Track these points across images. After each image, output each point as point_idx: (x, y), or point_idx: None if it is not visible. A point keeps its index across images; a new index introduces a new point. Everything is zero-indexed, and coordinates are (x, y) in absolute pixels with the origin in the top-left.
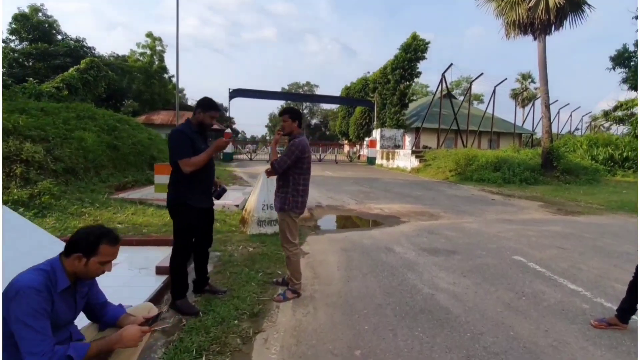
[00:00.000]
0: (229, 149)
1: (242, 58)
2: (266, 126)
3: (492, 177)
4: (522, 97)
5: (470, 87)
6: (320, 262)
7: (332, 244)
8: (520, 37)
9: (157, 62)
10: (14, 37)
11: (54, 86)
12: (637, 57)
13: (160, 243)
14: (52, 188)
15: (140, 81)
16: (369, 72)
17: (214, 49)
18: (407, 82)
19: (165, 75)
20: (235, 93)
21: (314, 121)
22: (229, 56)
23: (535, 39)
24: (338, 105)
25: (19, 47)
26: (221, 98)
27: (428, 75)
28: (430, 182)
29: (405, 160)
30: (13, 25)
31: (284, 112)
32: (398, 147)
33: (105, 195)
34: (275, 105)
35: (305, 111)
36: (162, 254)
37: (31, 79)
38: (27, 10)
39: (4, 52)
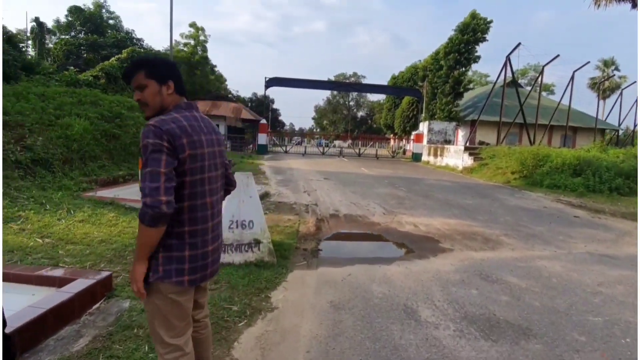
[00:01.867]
0: (264, 140)
1: (292, 51)
2: (312, 118)
3: (571, 184)
4: (603, 87)
5: (542, 72)
6: (282, 336)
7: (320, 292)
8: (614, 5)
9: (200, 53)
10: (69, 30)
11: (92, 75)
12: None
13: (45, 282)
14: None
15: (183, 72)
16: (420, 61)
17: (266, 43)
18: (463, 68)
19: (208, 67)
20: (272, 82)
21: (360, 113)
22: (280, 50)
23: (634, 6)
24: (385, 97)
25: (74, 39)
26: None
27: (486, 65)
28: (486, 186)
29: (456, 157)
30: (69, 18)
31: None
32: (449, 142)
33: (75, 192)
34: (320, 97)
35: (351, 103)
36: (28, 300)
37: (72, 67)
38: (92, 7)
39: (59, 43)
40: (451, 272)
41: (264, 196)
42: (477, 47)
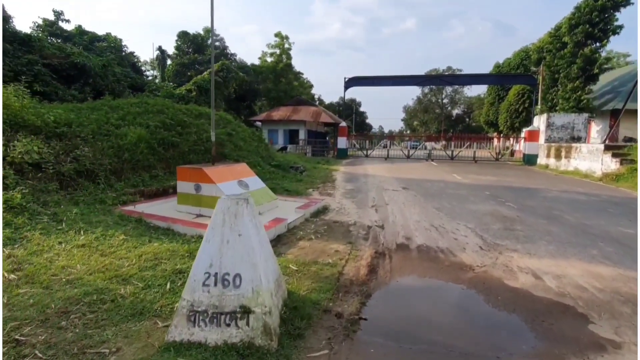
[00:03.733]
0: (344, 144)
1: (382, 54)
2: (402, 119)
3: None
4: None
5: None
6: None
7: None
8: None
9: (284, 60)
10: (177, 52)
11: (186, 89)
12: None
13: None
14: (17, 198)
15: (270, 80)
16: (532, 44)
17: (355, 48)
18: (597, 43)
19: (291, 74)
20: (351, 82)
21: (455, 111)
22: (369, 53)
23: None
24: (486, 90)
25: (181, 59)
26: (351, 93)
27: (621, 43)
28: None
29: (591, 160)
30: (178, 42)
31: None
32: (577, 139)
33: (110, 206)
34: (410, 97)
35: (444, 101)
36: None
37: (171, 83)
38: (202, 32)
39: (172, 64)
40: None
41: (319, 212)
42: (616, 14)
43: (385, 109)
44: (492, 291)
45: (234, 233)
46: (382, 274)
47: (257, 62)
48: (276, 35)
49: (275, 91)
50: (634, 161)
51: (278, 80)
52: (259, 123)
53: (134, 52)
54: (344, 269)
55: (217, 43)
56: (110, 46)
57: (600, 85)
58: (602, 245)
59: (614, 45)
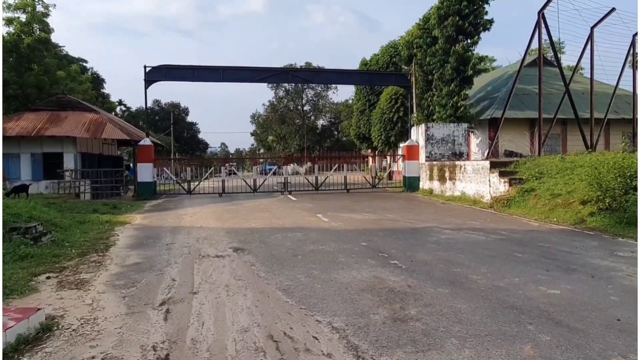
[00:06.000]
0: (150, 175)
1: (221, 41)
2: (251, 134)
3: None
4: None
5: (633, 42)
6: None
7: None
8: None
9: (37, 33)
10: None
11: None
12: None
13: None
14: None
15: (9, 66)
16: (399, 38)
17: (181, 31)
18: (469, 39)
19: (51, 57)
20: (156, 74)
21: (320, 122)
22: (203, 39)
23: None
24: (354, 93)
25: None
26: (177, 95)
27: (490, 47)
28: (549, 234)
29: (478, 181)
30: None
31: None
32: (459, 155)
33: None
34: (261, 102)
35: (306, 108)
36: None
37: None
38: None
39: None
40: None
41: (21, 344)
42: (486, 5)
43: (230, 120)
44: None
45: None
46: None
47: None
48: None
49: (19, 85)
50: (523, 180)
51: (25, 67)
52: None
53: None
54: None
55: None
56: None
57: (475, 91)
58: (534, 331)
59: (479, 48)
